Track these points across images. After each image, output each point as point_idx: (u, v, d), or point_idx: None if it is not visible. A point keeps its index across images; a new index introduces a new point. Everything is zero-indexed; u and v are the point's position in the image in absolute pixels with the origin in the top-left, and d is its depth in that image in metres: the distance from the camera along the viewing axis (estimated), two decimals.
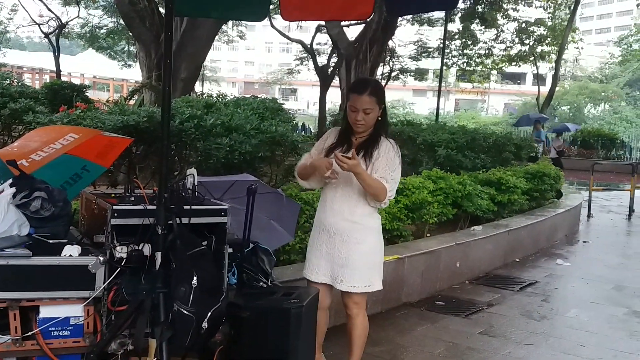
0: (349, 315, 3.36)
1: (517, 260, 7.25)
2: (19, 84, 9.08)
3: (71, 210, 3.24)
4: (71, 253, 2.81)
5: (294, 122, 8.30)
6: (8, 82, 8.56)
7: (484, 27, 24.90)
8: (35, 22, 23.90)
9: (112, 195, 3.32)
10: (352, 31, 19.38)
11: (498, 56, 27.50)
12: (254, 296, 3.12)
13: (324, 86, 21.59)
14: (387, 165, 3.24)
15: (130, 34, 16.82)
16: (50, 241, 2.90)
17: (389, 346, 4.26)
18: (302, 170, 3.40)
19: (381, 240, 3.42)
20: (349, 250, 3.27)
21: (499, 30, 25.77)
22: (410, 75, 29.42)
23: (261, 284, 3.31)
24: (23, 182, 3.04)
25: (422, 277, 5.48)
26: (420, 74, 31.18)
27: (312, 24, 22.87)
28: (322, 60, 23.94)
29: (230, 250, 3.20)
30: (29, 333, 2.70)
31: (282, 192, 4.22)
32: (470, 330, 4.70)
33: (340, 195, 3.30)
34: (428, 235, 6.36)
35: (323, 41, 24.97)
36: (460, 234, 6.58)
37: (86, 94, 12.64)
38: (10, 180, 3.03)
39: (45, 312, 2.75)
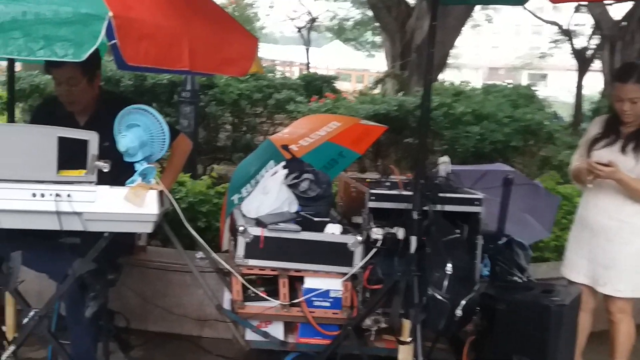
0: (612, 322, 3.12)
1: None
2: (282, 75, 9.98)
3: (332, 192, 3.50)
4: (333, 231, 3.04)
5: (550, 109, 7.84)
6: (272, 74, 9.50)
7: None
8: (289, 17, 25.96)
9: (367, 180, 3.50)
10: (616, 10, 17.49)
11: None
12: (510, 289, 3.04)
13: (582, 71, 19.90)
14: None
15: (376, 24, 17.39)
16: (315, 219, 3.15)
17: None
18: (575, 176, 3.24)
19: None
20: (615, 251, 3.03)
21: None
22: None
23: (515, 278, 3.22)
24: (294, 164, 3.35)
25: None
26: None
27: (569, 4, 21.07)
28: (579, 42, 22.03)
29: (483, 241, 3.17)
30: (296, 300, 2.96)
31: (540, 184, 4.03)
32: None
33: (605, 191, 3.06)
34: None
35: (581, 22, 22.93)
36: None
37: (334, 84, 13.40)
38: (283, 163, 3.38)
39: (309, 283, 2.99)
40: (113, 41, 2.25)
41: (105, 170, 2.43)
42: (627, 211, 3.03)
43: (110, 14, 2.13)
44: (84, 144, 2.41)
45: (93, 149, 2.41)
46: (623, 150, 3.04)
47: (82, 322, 2.78)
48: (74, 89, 2.96)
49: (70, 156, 2.45)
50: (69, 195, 2.39)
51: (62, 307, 2.97)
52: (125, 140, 2.52)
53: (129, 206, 2.43)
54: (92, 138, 2.41)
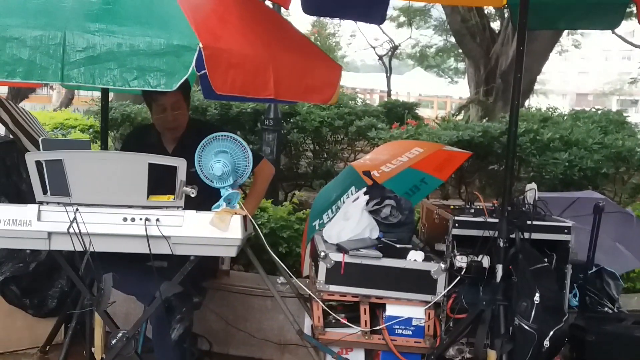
0: None
1: None
2: (363, 103, 10.05)
3: (414, 219, 3.45)
4: (416, 258, 2.98)
5: None
6: (354, 102, 9.58)
7: None
8: (371, 45, 26.14)
9: (451, 206, 3.43)
10: None
11: None
12: (600, 321, 2.92)
13: None
14: None
15: (459, 50, 17.23)
16: (397, 246, 3.10)
17: None
18: None
19: None
20: None
21: None
22: None
23: (606, 309, 3.06)
24: (375, 191, 3.33)
25: None
26: None
27: None
28: None
29: (572, 271, 3.03)
30: (377, 327, 2.92)
31: (632, 212, 3.83)
32: None
33: None
34: None
35: None
36: None
37: (416, 111, 13.28)
38: (365, 189, 3.37)
39: (390, 310, 2.94)
40: (203, 71, 2.33)
41: (193, 195, 2.50)
42: None
43: (201, 45, 2.22)
44: (172, 170, 2.49)
45: (181, 175, 2.49)
46: None
47: (168, 344, 2.86)
48: (177, 112, 3.13)
49: (160, 182, 2.54)
50: (158, 220, 2.47)
51: (149, 329, 3.07)
52: (220, 165, 2.61)
53: (214, 231, 2.49)
54: (180, 165, 2.49)
